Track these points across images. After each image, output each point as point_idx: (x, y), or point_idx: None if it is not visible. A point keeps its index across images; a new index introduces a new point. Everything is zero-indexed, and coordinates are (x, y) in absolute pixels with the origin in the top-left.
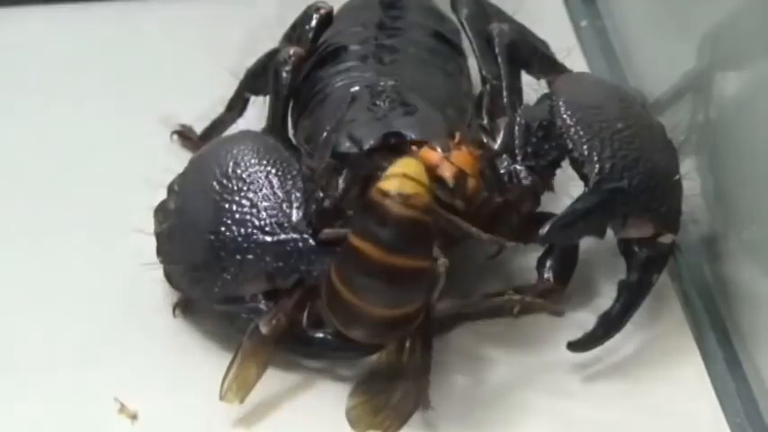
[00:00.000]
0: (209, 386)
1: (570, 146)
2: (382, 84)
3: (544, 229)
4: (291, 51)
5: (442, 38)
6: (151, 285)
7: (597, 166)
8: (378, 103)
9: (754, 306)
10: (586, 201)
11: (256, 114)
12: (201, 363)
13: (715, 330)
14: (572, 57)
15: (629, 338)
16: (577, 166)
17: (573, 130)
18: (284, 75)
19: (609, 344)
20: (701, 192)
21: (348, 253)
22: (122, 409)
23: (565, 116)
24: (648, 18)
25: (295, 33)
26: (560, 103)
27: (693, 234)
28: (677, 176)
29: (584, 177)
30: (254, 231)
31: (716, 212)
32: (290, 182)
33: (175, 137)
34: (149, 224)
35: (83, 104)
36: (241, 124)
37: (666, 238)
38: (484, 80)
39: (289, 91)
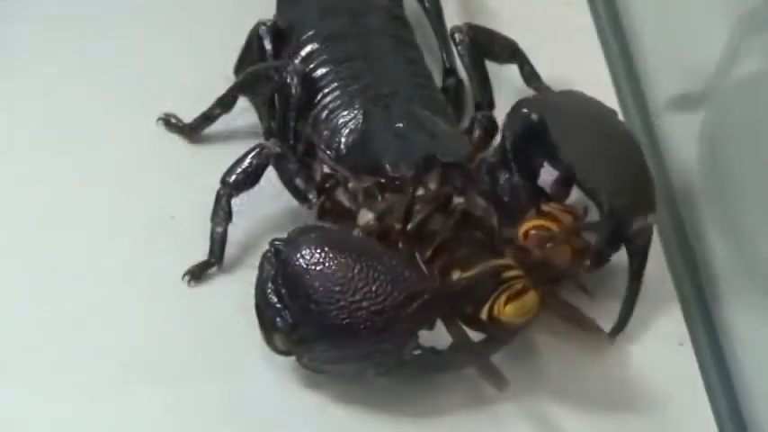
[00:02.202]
0: (210, 384)
1: (579, 177)
2: (385, 91)
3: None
4: (299, 64)
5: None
6: (152, 284)
7: (607, 193)
8: (397, 124)
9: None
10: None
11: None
12: (204, 360)
13: (706, 326)
14: (572, 57)
15: (627, 338)
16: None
17: (577, 161)
18: (293, 88)
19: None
20: (702, 187)
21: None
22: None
23: (567, 147)
24: (650, 17)
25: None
26: (557, 134)
27: (691, 232)
28: (649, 171)
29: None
30: None
31: (714, 207)
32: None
33: (161, 123)
34: (145, 221)
35: (83, 104)
36: (240, 123)
37: (652, 219)
38: (483, 82)
39: (297, 100)
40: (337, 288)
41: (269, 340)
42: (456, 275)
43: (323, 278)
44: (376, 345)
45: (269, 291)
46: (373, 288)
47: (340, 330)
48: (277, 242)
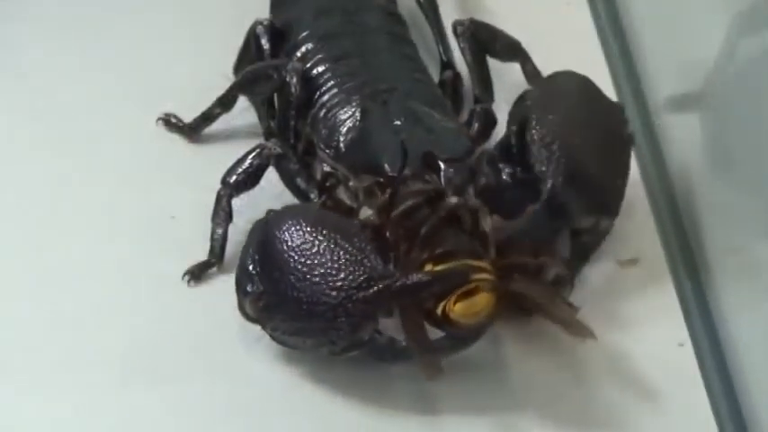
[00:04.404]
0: (210, 384)
1: (532, 161)
2: (382, 88)
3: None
4: (298, 65)
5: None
6: (152, 284)
7: (550, 182)
8: (395, 122)
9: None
10: (539, 216)
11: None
12: (204, 360)
13: (706, 326)
14: (572, 57)
15: (627, 338)
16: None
17: (536, 147)
18: (293, 87)
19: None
20: (701, 187)
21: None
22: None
23: (533, 131)
24: (650, 17)
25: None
26: (532, 119)
27: (691, 231)
28: (624, 179)
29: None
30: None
31: (714, 206)
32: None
33: (161, 123)
34: (145, 221)
35: (83, 104)
36: (240, 123)
37: (606, 223)
38: (483, 75)
39: (296, 99)
40: (302, 260)
41: (240, 305)
42: (427, 269)
43: (291, 248)
44: (331, 321)
45: (248, 256)
46: (336, 266)
47: (298, 301)
48: (271, 212)
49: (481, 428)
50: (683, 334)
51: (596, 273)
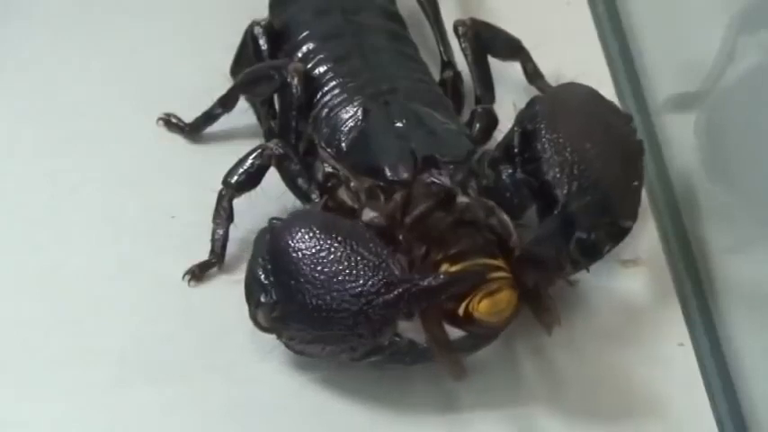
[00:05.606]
0: (210, 384)
1: (544, 168)
2: (384, 88)
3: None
4: (299, 65)
5: (398, 20)
6: (152, 284)
7: (566, 188)
8: (397, 123)
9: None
10: (554, 222)
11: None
12: (204, 360)
13: (706, 326)
14: (572, 56)
15: (628, 338)
16: (547, 187)
17: (548, 154)
18: (294, 87)
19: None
20: (701, 187)
21: None
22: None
23: (543, 140)
24: (650, 17)
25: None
26: (542, 127)
27: (691, 231)
28: (639, 183)
29: (553, 198)
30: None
31: (713, 206)
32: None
33: (161, 123)
34: (145, 221)
35: (83, 104)
36: (240, 123)
37: (623, 226)
38: (484, 75)
39: (297, 100)
40: (319, 267)
41: (253, 316)
42: (443, 270)
43: (306, 257)
44: (351, 328)
45: (258, 266)
46: (354, 272)
47: (316, 310)
48: (275, 220)
49: (492, 427)
50: (683, 334)
51: (597, 272)
